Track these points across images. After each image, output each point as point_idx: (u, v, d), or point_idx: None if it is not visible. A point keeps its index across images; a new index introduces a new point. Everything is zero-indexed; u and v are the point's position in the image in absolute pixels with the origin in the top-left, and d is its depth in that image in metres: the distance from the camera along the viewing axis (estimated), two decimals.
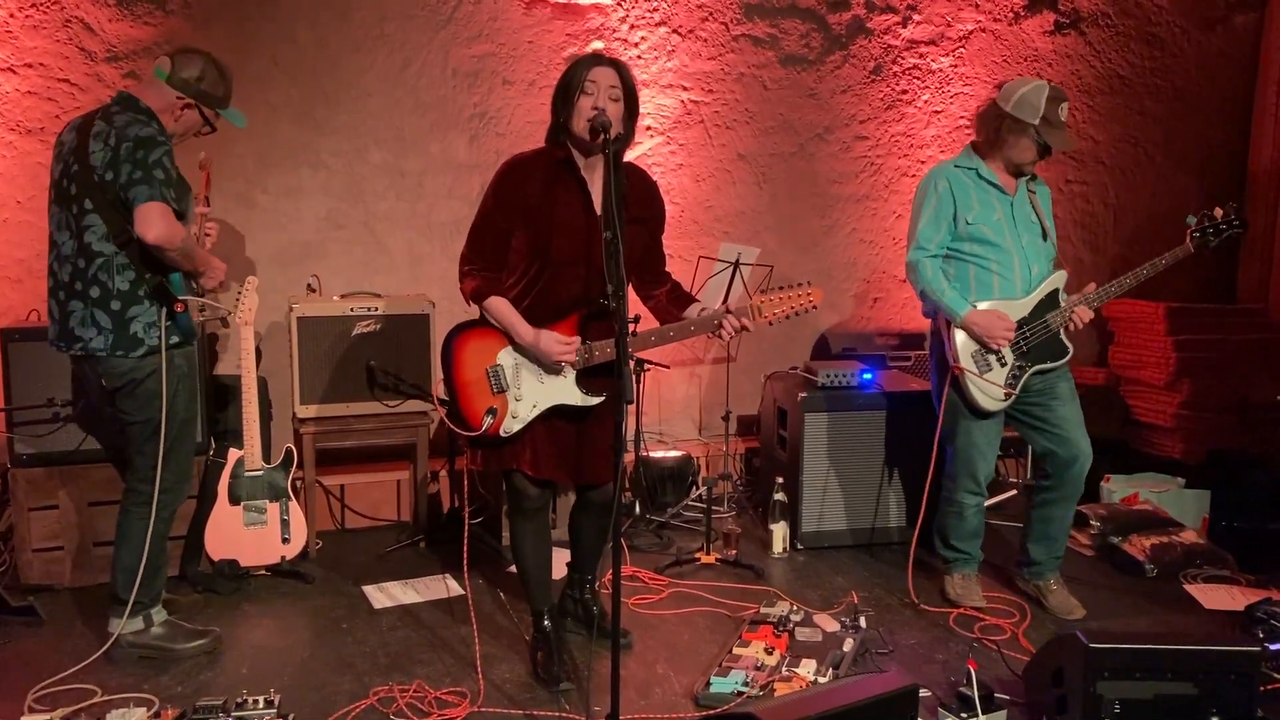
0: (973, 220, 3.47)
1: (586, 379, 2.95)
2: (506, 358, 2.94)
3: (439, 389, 2.99)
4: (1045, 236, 3.56)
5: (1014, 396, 3.48)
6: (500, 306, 2.90)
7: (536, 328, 2.89)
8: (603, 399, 2.96)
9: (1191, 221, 3.51)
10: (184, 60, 3.12)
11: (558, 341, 2.87)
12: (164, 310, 3.05)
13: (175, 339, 3.11)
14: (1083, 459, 3.51)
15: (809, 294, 2.93)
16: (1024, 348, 3.47)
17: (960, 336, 3.47)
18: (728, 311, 2.89)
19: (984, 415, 3.53)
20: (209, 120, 3.22)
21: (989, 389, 3.47)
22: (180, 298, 3.09)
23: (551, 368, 2.92)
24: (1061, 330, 3.50)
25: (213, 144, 3.50)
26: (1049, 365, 3.50)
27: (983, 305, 3.47)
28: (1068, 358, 3.52)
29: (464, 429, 2.93)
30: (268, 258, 4.49)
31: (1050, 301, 3.49)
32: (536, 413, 2.94)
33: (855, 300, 5.44)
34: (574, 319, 2.92)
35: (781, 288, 2.94)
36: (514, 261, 2.95)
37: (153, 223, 2.90)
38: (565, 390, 2.94)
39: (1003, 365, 3.47)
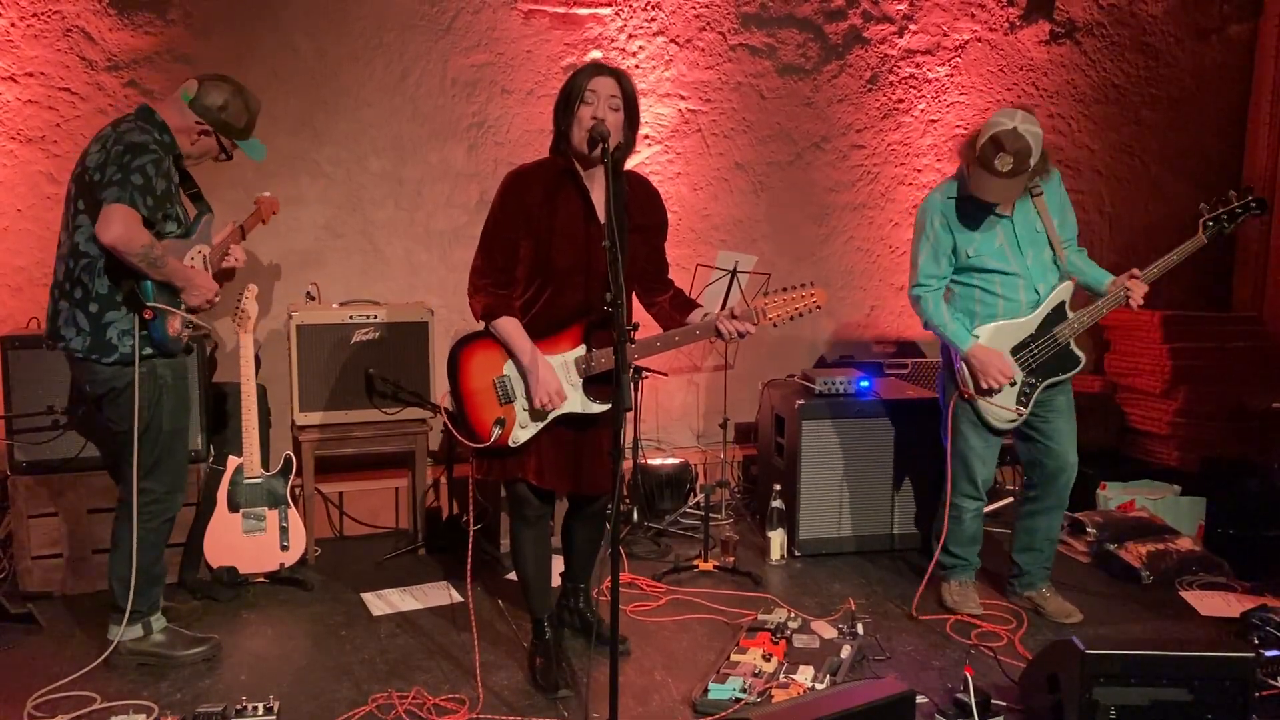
0: (974, 253, 3.44)
1: (592, 387, 2.97)
2: (513, 368, 2.95)
3: (445, 400, 2.99)
4: (1051, 246, 3.47)
5: (1025, 415, 3.48)
6: (508, 327, 2.91)
7: (542, 338, 2.91)
8: (608, 406, 2.97)
9: (1204, 208, 3.45)
10: (211, 87, 3.14)
11: (549, 386, 2.87)
12: (138, 318, 3.01)
13: (147, 350, 3.06)
14: (1069, 471, 3.53)
15: (812, 295, 2.90)
16: (1032, 364, 3.46)
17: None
18: (733, 316, 2.89)
19: (996, 431, 3.54)
20: (225, 149, 3.23)
21: (998, 412, 3.48)
22: (150, 305, 3.00)
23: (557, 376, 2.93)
24: (1071, 341, 3.48)
25: None
26: (1060, 377, 3.50)
27: (987, 327, 3.45)
28: (1079, 368, 3.51)
29: (472, 440, 2.93)
30: (267, 266, 4.50)
31: (1057, 315, 3.48)
32: (544, 422, 2.95)
33: (852, 308, 5.46)
34: (578, 328, 2.94)
35: (784, 289, 2.91)
36: (518, 272, 2.96)
37: (111, 224, 2.87)
38: (571, 399, 2.95)
39: (1012, 385, 3.46)
